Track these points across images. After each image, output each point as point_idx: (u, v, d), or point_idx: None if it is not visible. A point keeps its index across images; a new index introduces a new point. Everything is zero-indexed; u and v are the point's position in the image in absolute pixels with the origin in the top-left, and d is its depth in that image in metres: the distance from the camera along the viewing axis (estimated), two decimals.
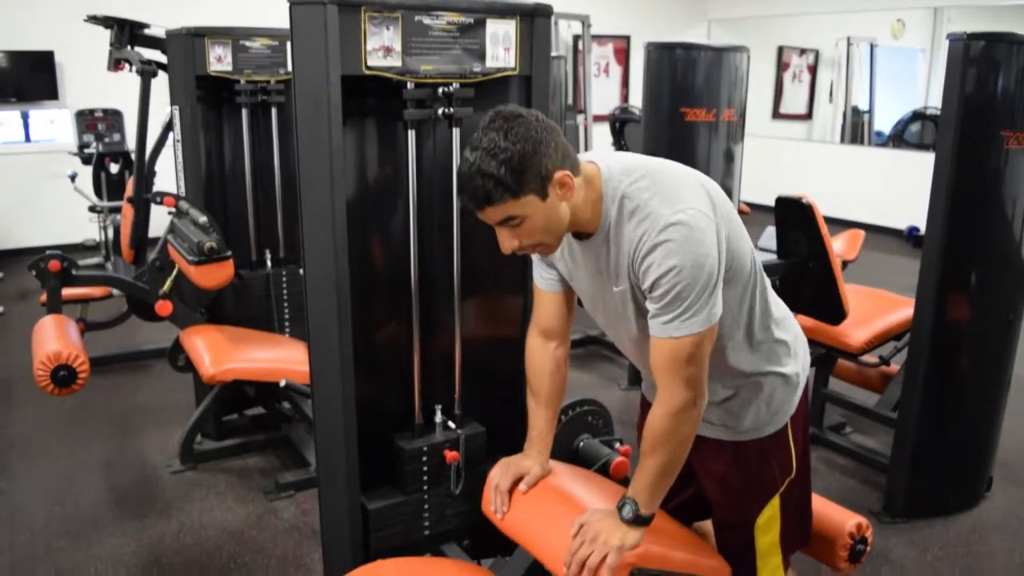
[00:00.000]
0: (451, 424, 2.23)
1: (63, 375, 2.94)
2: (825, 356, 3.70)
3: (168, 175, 3.78)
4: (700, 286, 1.52)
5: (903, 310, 3.51)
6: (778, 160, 9.25)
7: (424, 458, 2.17)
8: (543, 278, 1.88)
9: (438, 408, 2.22)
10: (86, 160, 6.29)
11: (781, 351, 1.80)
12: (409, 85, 1.96)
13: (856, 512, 2.11)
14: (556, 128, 1.58)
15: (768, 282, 1.79)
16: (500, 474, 1.91)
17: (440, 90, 1.99)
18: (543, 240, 1.61)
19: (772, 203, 3.36)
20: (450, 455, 2.17)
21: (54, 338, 3.08)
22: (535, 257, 1.86)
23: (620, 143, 6.05)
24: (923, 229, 2.95)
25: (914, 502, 3.16)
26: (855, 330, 3.48)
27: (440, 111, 2.02)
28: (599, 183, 1.61)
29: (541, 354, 1.92)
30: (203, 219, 3.22)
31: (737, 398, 1.79)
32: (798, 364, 1.84)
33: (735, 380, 1.78)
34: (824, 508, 2.15)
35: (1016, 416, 3.67)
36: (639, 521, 1.66)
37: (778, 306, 1.83)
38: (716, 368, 1.70)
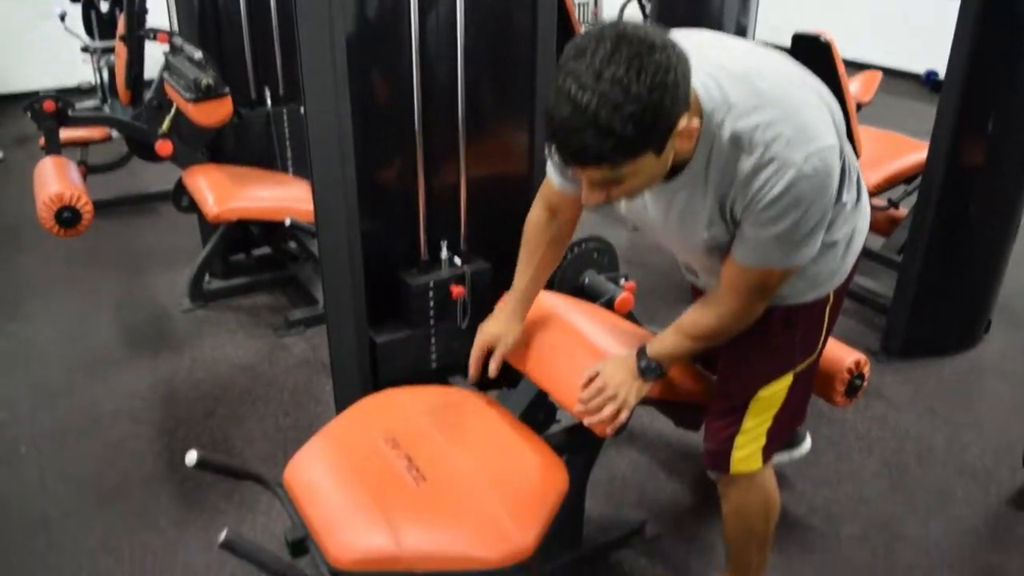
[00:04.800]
0: (457, 260, 2.23)
1: (67, 216, 2.94)
2: None
3: (160, 10, 3.64)
4: (814, 226, 1.35)
5: (915, 153, 3.45)
6: None
7: (430, 293, 2.19)
8: (561, 178, 1.69)
9: (443, 244, 2.22)
10: None
11: (838, 214, 1.50)
12: None
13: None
14: (686, 58, 1.21)
15: (849, 147, 1.48)
16: (475, 345, 1.87)
17: None
18: (635, 194, 1.35)
19: (788, 43, 3.24)
20: (456, 290, 2.19)
21: (55, 180, 3.05)
22: (553, 161, 1.65)
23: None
24: (942, 74, 2.85)
25: (912, 342, 3.21)
26: (866, 172, 3.39)
27: None
28: (698, 112, 1.30)
29: (543, 226, 1.78)
30: (198, 55, 3.12)
31: None
32: (854, 222, 1.58)
33: None
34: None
35: (1020, 259, 3.68)
36: (659, 378, 1.67)
37: (853, 167, 1.54)
38: None
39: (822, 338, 1.69)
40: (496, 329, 1.87)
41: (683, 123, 1.23)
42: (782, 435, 1.76)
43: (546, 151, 1.60)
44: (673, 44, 1.18)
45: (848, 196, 1.50)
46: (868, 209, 1.63)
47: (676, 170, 1.37)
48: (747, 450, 1.70)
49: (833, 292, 1.63)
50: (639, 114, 1.14)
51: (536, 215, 1.79)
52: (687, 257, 1.71)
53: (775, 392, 1.67)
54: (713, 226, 1.42)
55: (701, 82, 1.29)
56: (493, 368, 1.87)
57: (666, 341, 1.64)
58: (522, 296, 1.87)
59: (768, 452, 1.73)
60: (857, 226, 1.59)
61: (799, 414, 1.82)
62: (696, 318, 1.59)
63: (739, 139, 1.29)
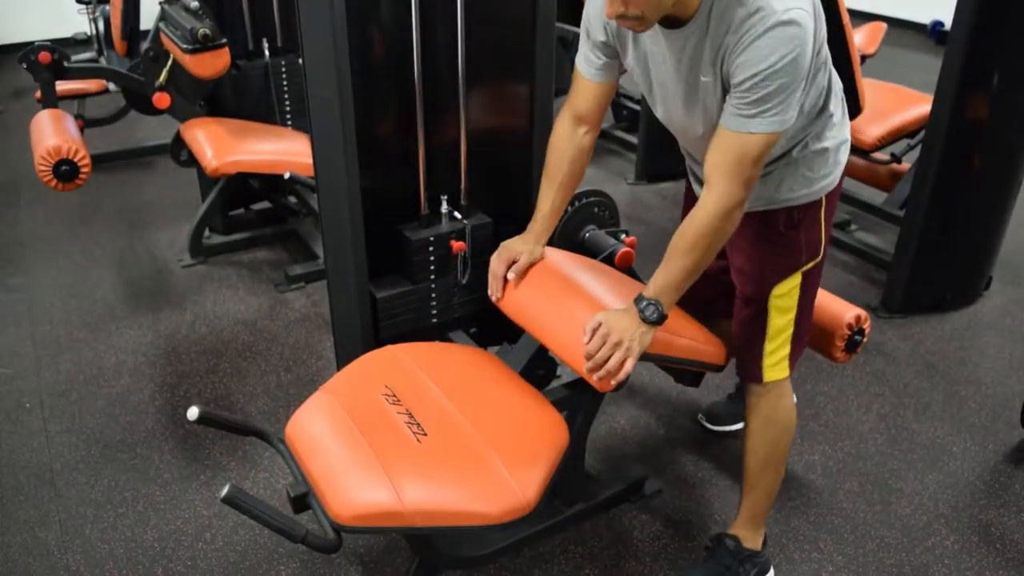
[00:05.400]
0: (457, 214, 2.22)
1: (65, 170, 2.92)
2: None
3: None
4: (792, 86, 1.50)
5: (920, 106, 3.41)
6: None
7: (431, 248, 2.18)
8: (589, 65, 1.82)
9: (444, 199, 2.21)
10: None
11: (826, 124, 1.75)
12: None
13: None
14: None
15: (831, 63, 1.72)
16: (496, 259, 1.94)
17: None
18: (648, 14, 1.51)
19: None
20: (456, 245, 2.18)
21: (52, 133, 3.03)
22: (583, 44, 1.80)
23: None
24: (948, 24, 2.80)
25: (912, 298, 3.21)
26: (869, 126, 3.40)
27: None
28: None
29: (569, 138, 1.89)
30: (194, 4, 3.07)
31: (775, 174, 1.76)
32: (842, 134, 1.80)
33: (774, 161, 1.75)
34: (824, 300, 2.19)
35: (1023, 216, 3.66)
36: (661, 321, 1.68)
37: (836, 83, 1.77)
38: None
39: (822, 240, 1.85)
40: (519, 246, 1.94)
41: None
42: (801, 343, 1.94)
43: (581, 36, 1.80)
44: None
45: (835, 109, 1.75)
46: (849, 126, 1.86)
47: (685, 22, 1.57)
48: (775, 357, 1.90)
49: (825, 197, 1.81)
50: None
51: (560, 128, 1.90)
52: (697, 142, 1.78)
53: (789, 291, 1.85)
54: (714, 80, 1.58)
55: None
56: (513, 279, 1.91)
57: (660, 274, 1.68)
58: (545, 219, 1.94)
59: (793, 360, 1.93)
60: (842, 137, 1.80)
61: (808, 328, 1.96)
62: (683, 226, 1.65)
63: None
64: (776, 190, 1.77)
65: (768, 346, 1.89)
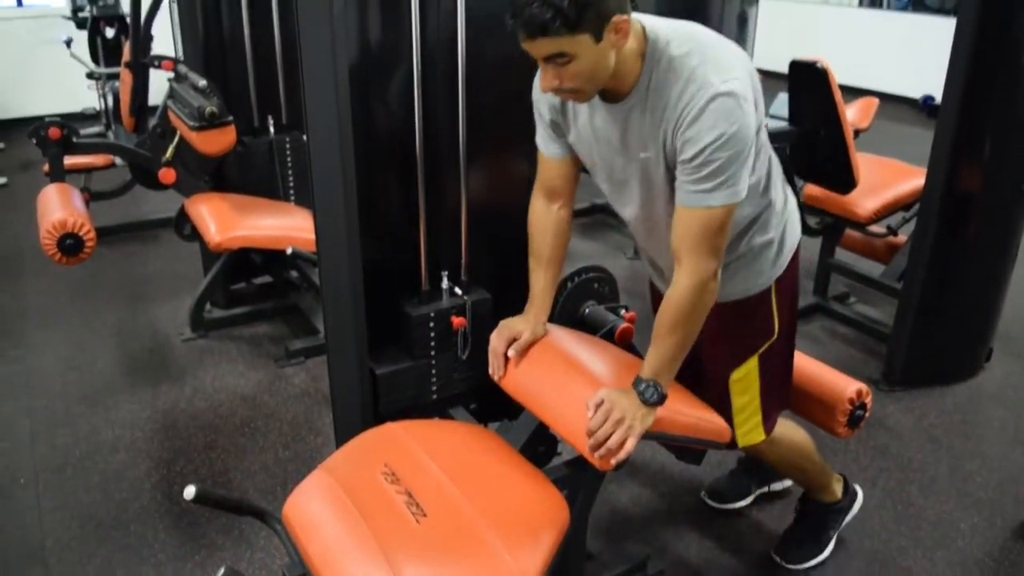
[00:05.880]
0: (457, 290, 2.23)
1: (70, 243, 2.95)
2: (833, 225, 3.68)
3: (165, 38, 3.67)
4: (742, 156, 1.53)
5: (913, 179, 3.46)
6: (793, 25, 8.92)
7: (431, 324, 2.18)
8: (546, 143, 1.86)
9: (444, 274, 2.22)
10: (80, 24, 6.09)
11: (769, 214, 1.80)
12: None
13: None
14: None
15: (770, 148, 1.78)
16: (496, 337, 1.94)
17: None
18: (583, 87, 1.56)
19: (785, 69, 3.26)
20: (457, 321, 2.18)
21: (59, 207, 3.07)
22: (538, 122, 1.85)
23: (632, 3, 5.82)
24: (939, 98, 2.86)
25: (913, 371, 3.20)
26: (864, 199, 3.44)
27: None
28: (643, 42, 1.58)
29: (544, 215, 1.92)
30: (203, 83, 3.14)
31: (722, 272, 1.76)
32: (786, 221, 1.85)
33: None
34: (825, 374, 2.18)
35: (1021, 287, 3.68)
36: (661, 401, 1.69)
37: (776, 168, 1.83)
38: None
39: (777, 323, 1.90)
40: (520, 324, 1.94)
41: (617, 18, 1.48)
42: (774, 408, 2.01)
43: (535, 115, 1.84)
44: None
45: (775, 195, 1.80)
46: (798, 214, 1.91)
47: (625, 96, 1.61)
48: (747, 426, 1.96)
49: (776, 283, 1.86)
50: None
51: (535, 207, 1.94)
52: (639, 221, 1.82)
53: (746, 374, 1.92)
54: (657, 156, 1.61)
55: (651, 23, 1.60)
56: (515, 357, 1.91)
57: (652, 356, 1.71)
58: (540, 298, 1.96)
59: (769, 424, 1.99)
60: (788, 227, 1.85)
61: (783, 394, 2.05)
62: (663, 307, 1.68)
63: (672, 62, 1.55)
64: (723, 286, 1.76)
65: (736, 419, 1.95)
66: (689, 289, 1.63)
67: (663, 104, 1.56)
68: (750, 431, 1.97)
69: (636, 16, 1.59)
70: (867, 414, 2.16)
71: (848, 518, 2.39)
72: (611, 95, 1.63)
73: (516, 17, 1.47)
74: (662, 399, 1.68)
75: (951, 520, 2.51)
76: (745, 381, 1.93)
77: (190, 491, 1.59)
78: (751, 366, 1.90)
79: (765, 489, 2.55)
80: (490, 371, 1.95)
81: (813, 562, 2.32)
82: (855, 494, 2.39)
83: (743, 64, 1.59)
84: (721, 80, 1.50)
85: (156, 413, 3.02)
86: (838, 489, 2.32)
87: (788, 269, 1.88)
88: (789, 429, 2.17)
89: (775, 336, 1.91)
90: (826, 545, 2.34)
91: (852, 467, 2.74)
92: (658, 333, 1.69)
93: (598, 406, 1.66)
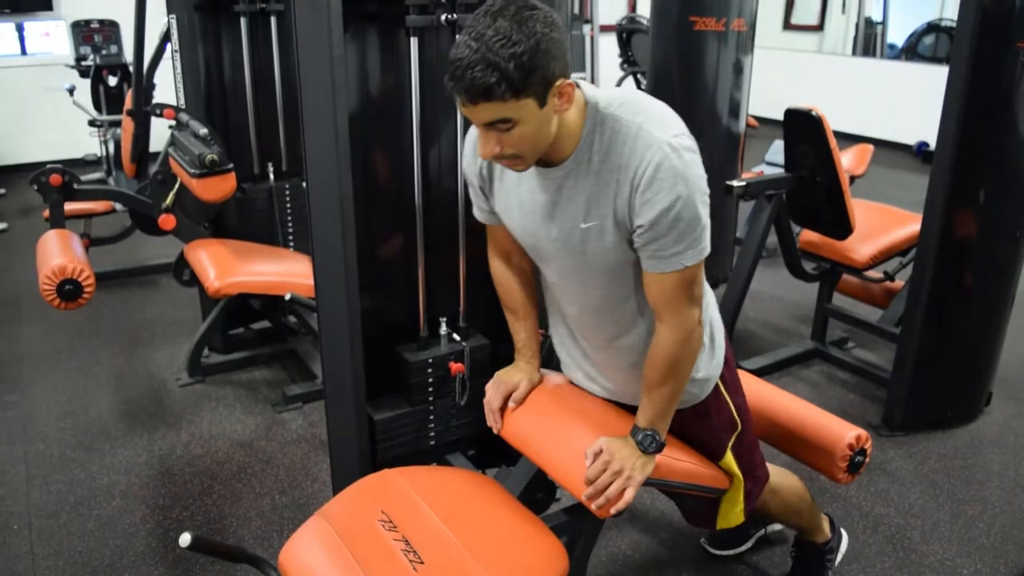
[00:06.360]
0: (455, 336, 2.24)
1: (69, 289, 2.96)
2: (830, 271, 3.70)
3: (167, 87, 3.71)
4: (704, 209, 1.51)
5: (910, 225, 3.49)
6: (788, 72, 9.06)
7: (429, 370, 2.19)
8: (482, 212, 1.82)
9: (443, 320, 2.23)
10: (84, 73, 6.18)
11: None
12: None
13: (855, 425, 2.13)
14: (565, 31, 1.46)
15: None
16: (492, 391, 1.91)
17: None
18: (524, 152, 1.48)
19: (780, 117, 3.31)
20: (455, 367, 2.19)
21: (58, 252, 3.08)
22: (471, 191, 1.81)
23: (627, 54, 5.90)
24: (933, 145, 2.90)
25: (913, 416, 3.19)
26: (861, 245, 3.46)
27: (443, 17, 1.97)
28: (583, 106, 1.52)
29: (505, 273, 1.92)
30: (204, 131, 3.18)
31: None
32: (712, 320, 1.80)
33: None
34: (824, 420, 2.18)
35: (1018, 332, 3.68)
36: (660, 450, 1.68)
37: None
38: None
39: (735, 413, 1.90)
40: (516, 375, 1.92)
41: (562, 82, 1.42)
42: (754, 494, 1.98)
43: (468, 189, 1.81)
44: (553, 13, 1.42)
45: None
46: (713, 299, 1.83)
47: (561, 161, 1.55)
48: (730, 515, 1.96)
49: (720, 379, 1.85)
50: (520, 55, 1.35)
51: (495, 266, 1.94)
52: (564, 282, 1.73)
53: (727, 468, 1.90)
54: (606, 223, 1.53)
55: (586, 87, 1.54)
56: (513, 407, 1.89)
57: (645, 406, 1.69)
58: (526, 348, 1.94)
59: (748, 509, 1.96)
60: (713, 318, 1.80)
61: (760, 473, 2.00)
62: (649, 363, 1.65)
63: (617, 123, 1.49)
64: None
65: (722, 508, 1.96)
66: (676, 342, 1.61)
67: (613, 166, 1.49)
68: (731, 517, 1.96)
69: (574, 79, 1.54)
70: (867, 460, 2.15)
71: (839, 557, 2.40)
72: (545, 160, 1.55)
73: (457, 80, 1.38)
74: (661, 447, 1.67)
75: (953, 566, 2.48)
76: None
77: (185, 538, 1.58)
78: (728, 460, 1.89)
79: (762, 532, 2.53)
80: (488, 423, 1.94)
81: None
82: (840, 532, 2.42)
83: (680, 120, 1.54)
84: (668, 135, 1.46)
85: (152, 458, 3.00)
86: (827, 528, 2.34)
87: (726, 360, 1.87)
88: (783, 476, 2.17)
89: (739, 426, 1.90)
90: None
91: (853, 513, 2.72)
92: (649, 385, 1.67)
93: (597, 455, 1.66)
